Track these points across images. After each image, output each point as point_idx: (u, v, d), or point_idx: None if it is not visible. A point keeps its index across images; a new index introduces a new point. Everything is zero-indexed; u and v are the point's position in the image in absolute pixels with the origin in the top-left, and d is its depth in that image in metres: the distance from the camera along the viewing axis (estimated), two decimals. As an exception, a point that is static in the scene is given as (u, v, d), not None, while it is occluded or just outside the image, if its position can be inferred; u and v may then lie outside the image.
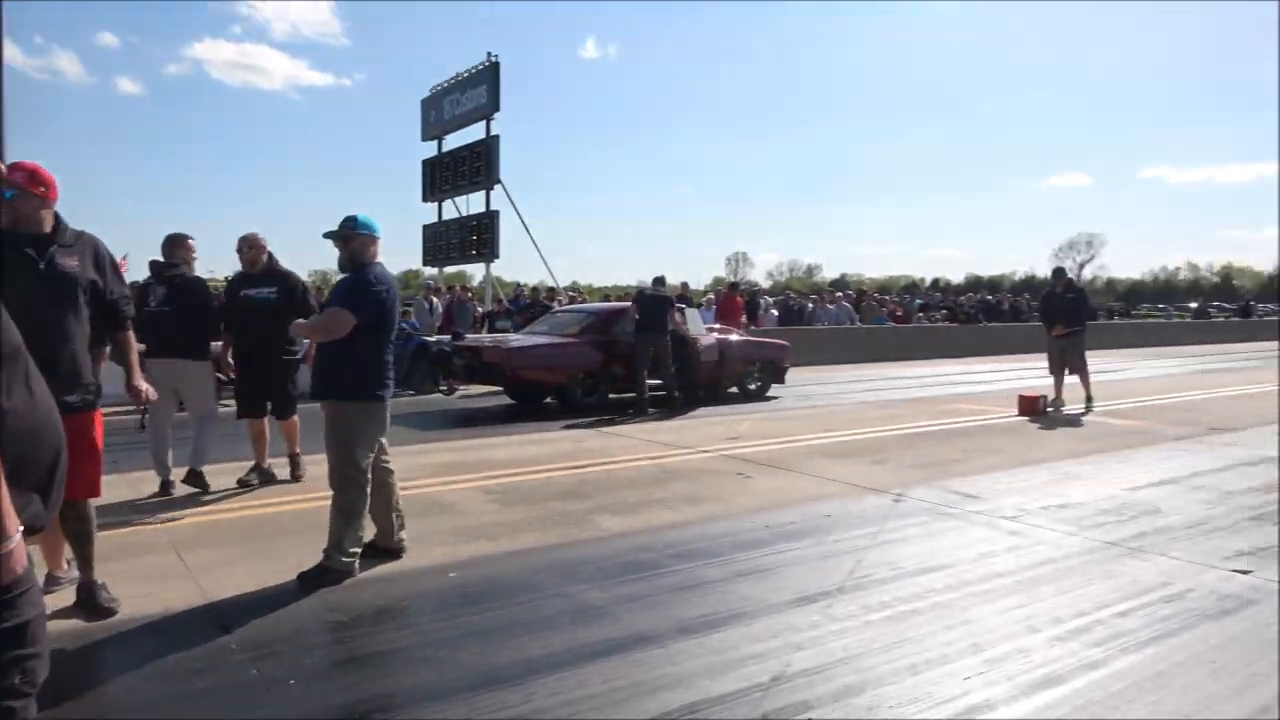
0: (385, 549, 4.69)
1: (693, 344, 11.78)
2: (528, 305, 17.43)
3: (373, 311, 4.43)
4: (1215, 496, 6.10)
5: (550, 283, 23.07)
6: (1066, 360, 11.11)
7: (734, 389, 12.74)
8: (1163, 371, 17.93)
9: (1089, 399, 10.86)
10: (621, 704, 2.96)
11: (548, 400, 11.54)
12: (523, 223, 23.30)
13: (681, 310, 12.33)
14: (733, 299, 18.52)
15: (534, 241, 28.71)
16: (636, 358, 11.24)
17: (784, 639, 3.53)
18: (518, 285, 23.38)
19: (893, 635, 3.58)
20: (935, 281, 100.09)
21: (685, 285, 20.98)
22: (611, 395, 11.60)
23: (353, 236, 4.56)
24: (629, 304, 12.06)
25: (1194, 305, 57.08)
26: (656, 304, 11.48)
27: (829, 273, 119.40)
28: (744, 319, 18.20)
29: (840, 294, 25.48)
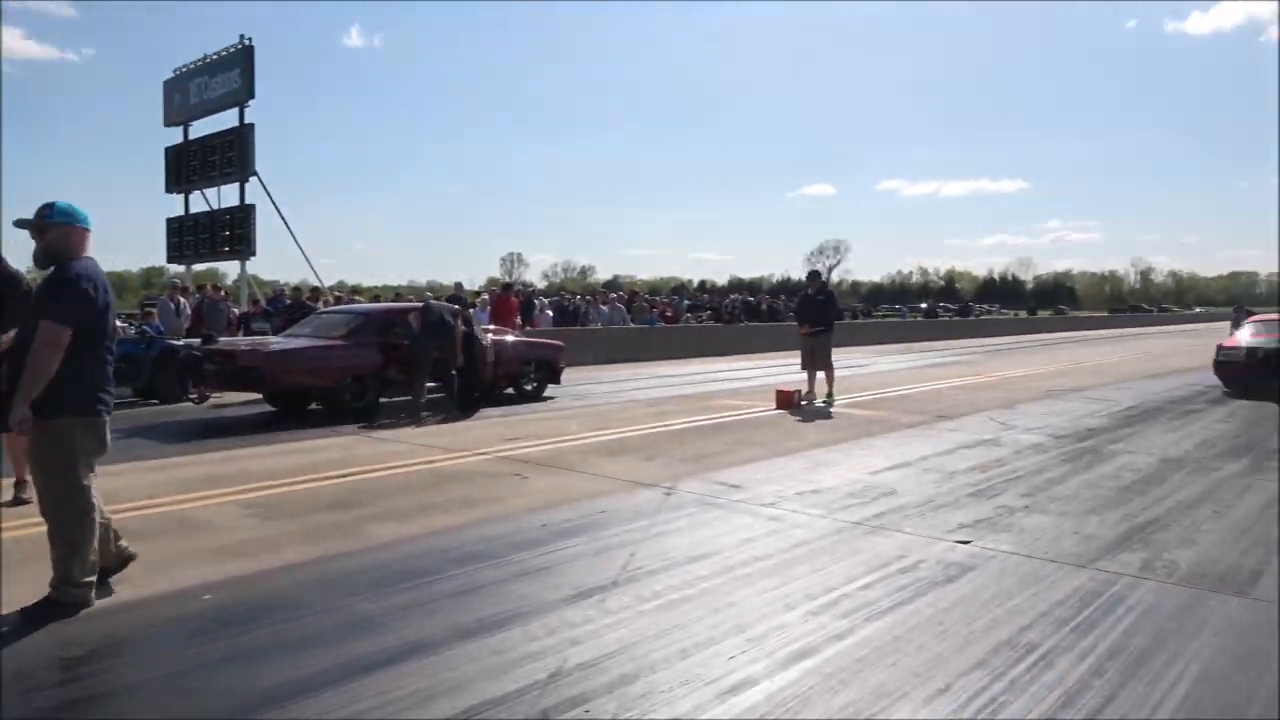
0: (112, 565, 4.19)
1: (482, 346, 11.63)
2: (288, 306, 16.41)
3: (78, 315, 3.84)
4: (941, 477, 6.84)
5: (314, 282, 21.91)
6: (816, 357, 12.02)
7: (510, 390, 12.70)
8: (899, 366, 19.83)
9: (829, 394, 11.77)
10: (396, 716, 2.89)
11: (313, 407, 10.96)
12: (282, 218, 22.01)
13: (468, 311, 12.18)
14: (507, 299, 18.46)
15: (295, 238, 27.08)
16: (419, 359, 10.91)
17: (561, 635, 3.58)
18: (277, 285, 22.01)
19: (664, 623, 3.73)
20: (701, 283, 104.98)
21: (459, 286, 20.64)
22: (383, 400, 11.20)
23: (49, 227, 3.94)
24: (413, 305, 11.75)
25: (924, 306, 63.52)
26: (444, 309, 11.26)
27: (602, 274, 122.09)
28: (519, 319, 18.19)
29: (613, 295, 26.10)
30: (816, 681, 3.17)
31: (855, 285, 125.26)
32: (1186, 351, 24.50)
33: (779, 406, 11.18)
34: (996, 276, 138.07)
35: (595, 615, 3.82)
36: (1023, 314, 64.36)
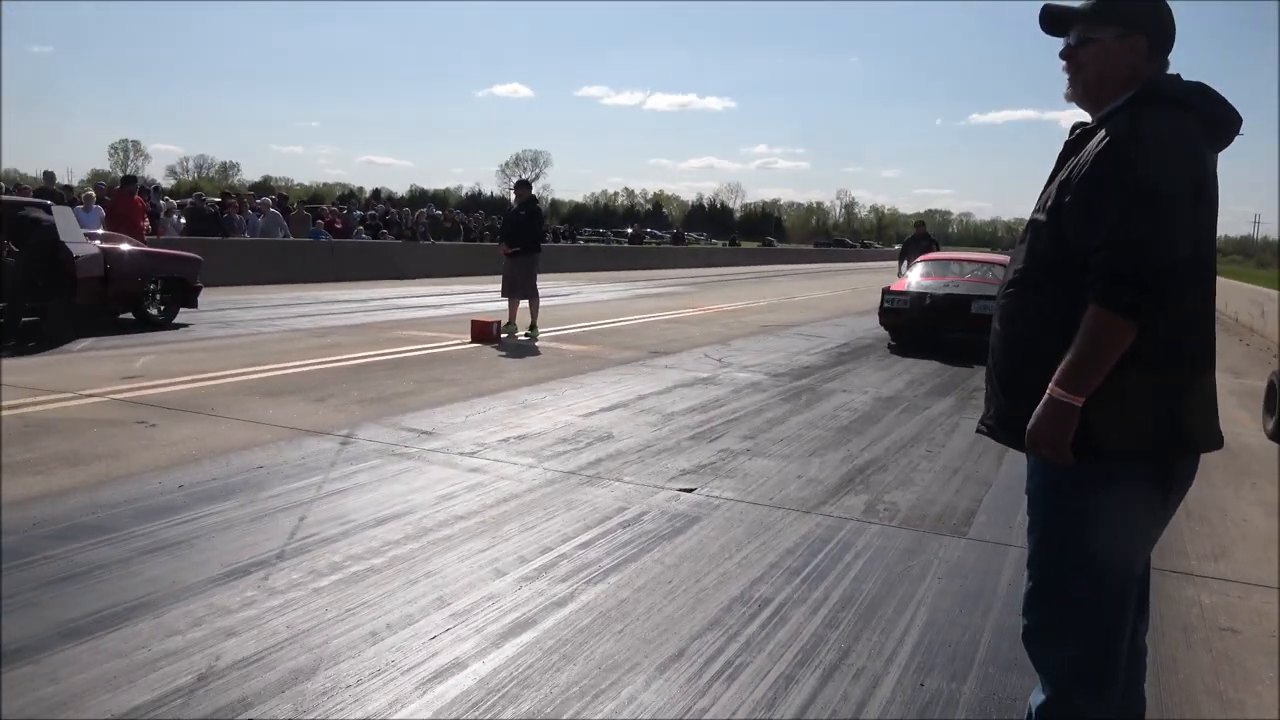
0: None
1: (69, 256, 10.22)
2: None
3: None
4: (660, 419, 7.09)
5: None
6: (518, 283, 11.97)
7: (128, 314, 11.41)
8: (608, 296, 20.41)
9: (533, 326, 11.82)
10: (-27, 751, 2.44)
11: None
12: None
13: (49, 209, 10.63)
14: (130, 198, 16.36)
15: None
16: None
17: (211, 626, 3.23)
18: None
19: (348, 601, 3.50)
20: (376, 192, 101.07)
21: (50, 176, 18.18)
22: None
23: None
24: None
25: (630, 231, 65.92)
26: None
27: (249, 174, 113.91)
28: (146, 224, 16.33)
29: (266, 200, 24.31)
30: (536, 658, 3.12)
31: (556, 205, 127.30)
32: (890, 288, 27.51)
33: (475, 339, 11.04)
34: (705, 203, 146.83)
35: (256, 597, 3.50)
36: (726, 244, 68.95)
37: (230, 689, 2.81)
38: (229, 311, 13.27)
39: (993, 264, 13.32)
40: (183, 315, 12.00)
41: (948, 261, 13.74)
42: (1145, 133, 2.01)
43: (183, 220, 20.95)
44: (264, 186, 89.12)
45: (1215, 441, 2.18)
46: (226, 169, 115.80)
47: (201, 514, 4.41)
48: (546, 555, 4.09)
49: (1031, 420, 2.07)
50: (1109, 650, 2.15)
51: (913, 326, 12.35)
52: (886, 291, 12.65)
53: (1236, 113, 2.16)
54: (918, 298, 12.22)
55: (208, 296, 12.76)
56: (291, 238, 21.42)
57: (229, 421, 6.30)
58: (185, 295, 12.02)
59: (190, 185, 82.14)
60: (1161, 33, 2.18)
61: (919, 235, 19.80)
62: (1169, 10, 2.20)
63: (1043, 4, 2.24)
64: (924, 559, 4.29)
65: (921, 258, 14.54)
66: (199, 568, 3.76)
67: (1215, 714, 3.02)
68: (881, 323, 12.80)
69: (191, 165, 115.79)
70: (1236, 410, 8.71)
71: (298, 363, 8.87)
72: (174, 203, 24.30)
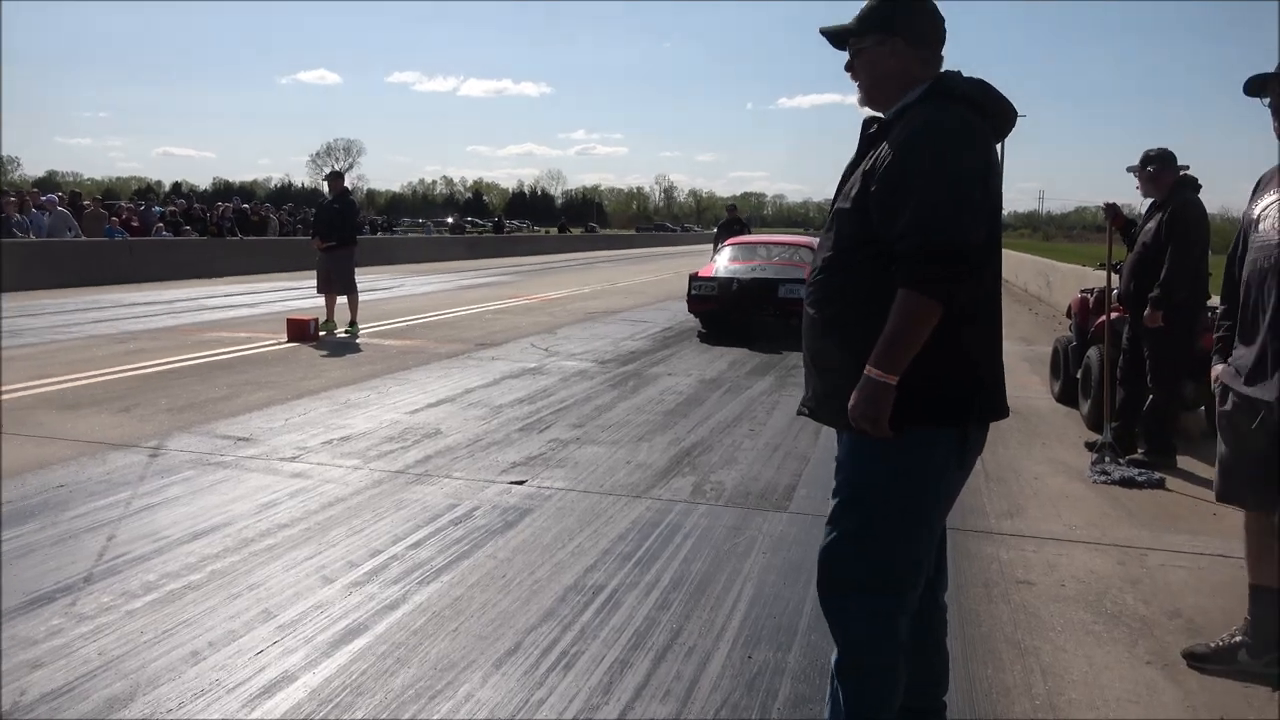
0: None
1: None
2: None
3: None
4: (488, 412, 7.06)
5: None
6: (335, 278, 11.60)
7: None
8: (430, 288, 20.05)
9: (353, 323, 11.50)
10: None
11: None
12: None
13: None
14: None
15: None
16: None
17: (13, 659, 3.03)
18: None
19: (165, 621, 3.35)
20: (176, 186, 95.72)
21: None
22: None
23: None
24: None
25: (450, 220, 64.92)
26: None
27: (31, 169, 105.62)
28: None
29: (53, 197, 22.60)
30: (369, 664, 3.08)
31: (372, 195, 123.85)
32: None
33: (292, 338, 10.66)
34: (526, 190, 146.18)
35: (64, 625, 3.30)
36: (553, 230, 68.95)
37: (38, 725, 2.66)
38: (16, 320, 12.30)
39: (799, 246, 13.13)
40: (-39, 325, 11.06)
41: (754, 245, 13.45)
42: (940, 126, 2.19)
43: (-44, 221, 19.23)
44: (49, 183, 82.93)
45: (1003, 411, 2.38)
46: (4, 164, 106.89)
47: (-5, 541, 4.11)
48: (376, 558, 4.03)
49: (851, 399, 2.19)
50: (900, 604, 2.32)
51: (721, 312, 12.12)
52: (694, 278, 12.33)
53: (1013, 106, 2.37)
54: (725, 283, 11.97)
55: (-10, 304, 11.80)
56: (83, 237, 20.01)
57: (22, 439, 5.87)
58: (-37, 303, 11.08)
59: (-38, 182, 75.38)
60: (917, 30, 2.35)
61: (731, 220, 20.12)
62: (926, 8, 2.37)
63: (819, 29, 2.44)
64: (749, 535, 4.46)
65: (728, 241, 14.20)
66: (-5, 599, 3.51)
67: (1015, 662, 3.28)
68: (690, 309, 12.51)
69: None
70: (1028, 375, 9.41)
71: (97, 371, 8.33)
72: (-55, 202, 22.26)
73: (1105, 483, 5.58)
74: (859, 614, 2.32)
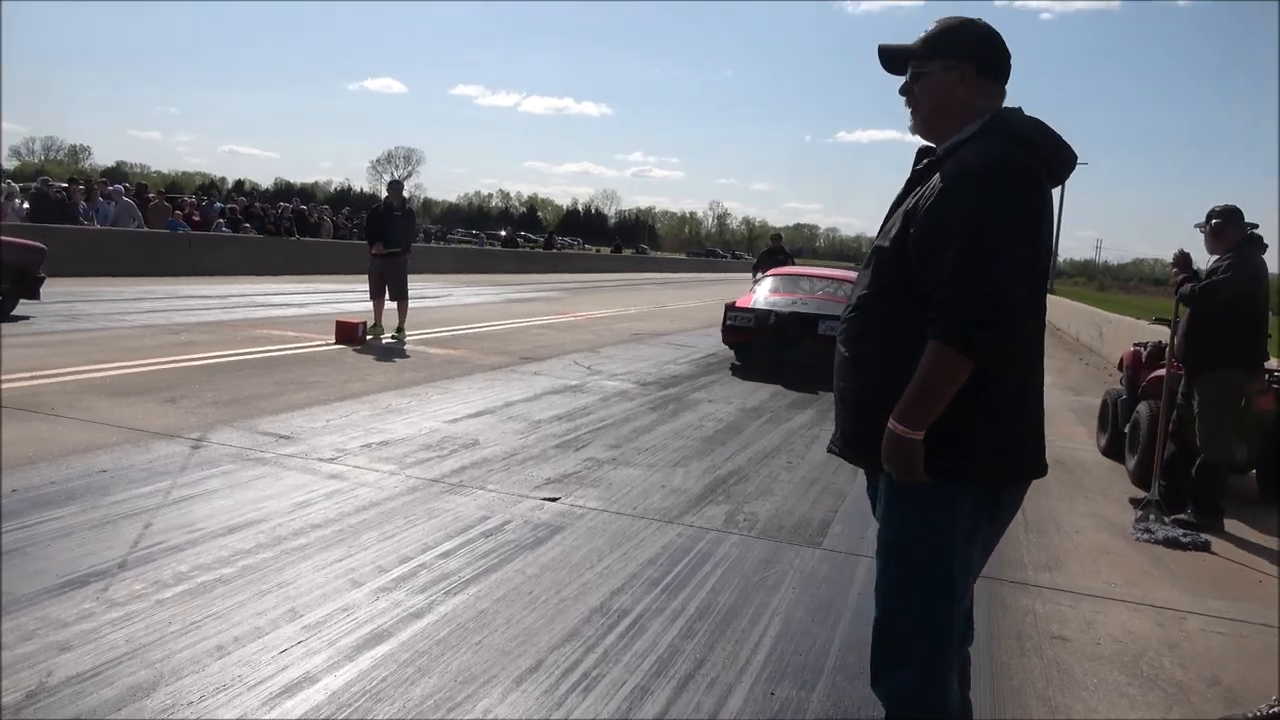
0: None
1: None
2: None
3: None
4: (526, 426, 7.07)
5: None
6: (388, 284, 11.74)
7: (-40, 305, 10.70)
8: (478, 299, 20.20)
9: (400, 329, 11.61)
10: None
11: None
12: None
13: None
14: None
15: None
16: None
17: (43, 640, 3.07)
18: None
19: (193, 613, 3.38)
20: (239, 184, 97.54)
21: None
22: None
23: None
24: None
25: (504, 233, 65.42)
26: None
27: (101, 159, 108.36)
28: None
29: (119, 187, 23.15)
30: (390, 671, 3.07)
31: (429, 204, 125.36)
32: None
33: (339, 341, 10.77)
34: (580, 208, 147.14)
35: (95, 610, 3.34)
36: (606, 250, 69.28)
37: (62, 706, 2.68)
38: (75, 304, 12.58)
39: (843, 281, 12.52)
40: (22, 307, 11.33)
41: (797, 277, 12.86)
42: (991, 168, 2.08)
43: (25, 205, 19.74)
44: (117, 173, 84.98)
45: (1040, 470, 2.29)
46: (77, 152, 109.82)
47: (36, 520, 4.18)
48: (405, 565, 4.04)
49: (883, 451, 2.13)
50: (943, 660, 2.25)
51: (757, 346, 11.55)
52: (730, 308, 11.79)
53: (1072, 150, 2.27)
54: (763, 315, 11.37)
55: (51, 288, 12.07)
56: (145, 228, 20.45)
57: (70, 422, 5.99)
58: (25, 285, 11.35)
59: (35, 168, 77.53)
60: (988, 60, 2.27)
61: (774, 249, 19.07)
62: (995, 37, 2.29)
63: (878, 45, 2.36)
64: (780, 569, 4.41)
65: (770, 271, 13.72)
66: (32, 578, 3.56)
67: (1044, 717, 3.20)
68: (725, 340, 12.00)
69: (38, 147, 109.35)
70: (1074, 426, 9.25)
71: (148, 361, 8.49)
72: (16, 187, 22.88)
73: (1149, 541, 5.45)
74: (905, 676, 2.24)
